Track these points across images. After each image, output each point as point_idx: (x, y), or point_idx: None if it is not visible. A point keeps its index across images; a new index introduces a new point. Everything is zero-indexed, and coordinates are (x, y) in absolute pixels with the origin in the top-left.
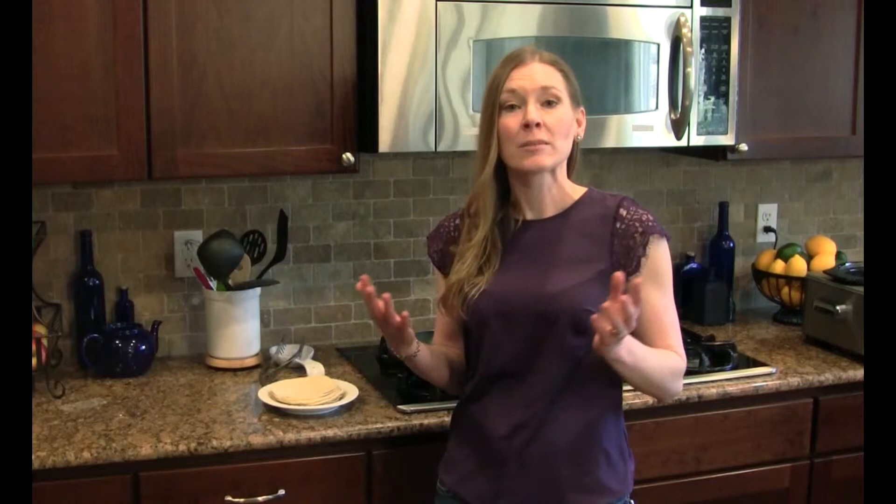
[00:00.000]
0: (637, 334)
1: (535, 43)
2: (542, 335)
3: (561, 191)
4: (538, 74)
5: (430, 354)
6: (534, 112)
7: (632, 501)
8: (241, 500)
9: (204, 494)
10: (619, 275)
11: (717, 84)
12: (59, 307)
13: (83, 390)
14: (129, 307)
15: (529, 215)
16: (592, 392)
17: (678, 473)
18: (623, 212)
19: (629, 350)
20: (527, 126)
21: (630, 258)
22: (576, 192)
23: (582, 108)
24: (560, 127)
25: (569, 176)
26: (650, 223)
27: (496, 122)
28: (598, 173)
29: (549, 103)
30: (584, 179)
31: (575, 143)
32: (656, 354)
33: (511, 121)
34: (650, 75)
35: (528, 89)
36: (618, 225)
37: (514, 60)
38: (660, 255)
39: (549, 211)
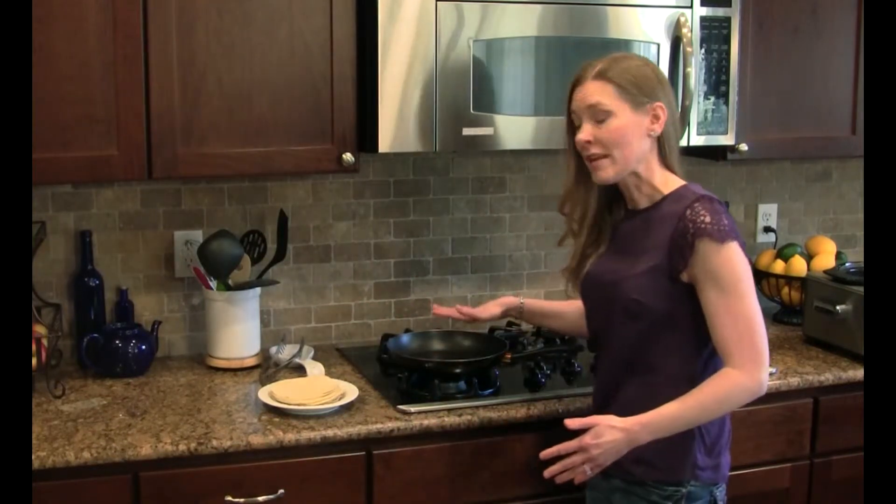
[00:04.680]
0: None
1: (535, 43)
2: (608, 319)
3: (650, 186)
4: (588, 93)
5: (541, 313)
6: (584, 132)
7: (716, 490)
8: (241, 500)
9: (204, 494)
10: (568, 422)
11: (717, 84)
12: (59, 307)
13: (83, 390)
14: (129, 307)
15: (630, 206)
16: (657, 382)
17: None
18: (688, 212)
19: (649, 432)
20: (584, 146)
21: (679, 257)
22: (669, 186)
23: (657, 103)
24: (613, 138)
25: (668, 165)
26: (703, 225)
27: (572, 135)
28: None
29: (599, 119)
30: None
31: (661, 137)
32: (692, 404)
33: (577, 138)
34: None
35: (582, 109)
36: (679, 224)
37: (574, 80)
38: (714, 259)
39: (643, 203)
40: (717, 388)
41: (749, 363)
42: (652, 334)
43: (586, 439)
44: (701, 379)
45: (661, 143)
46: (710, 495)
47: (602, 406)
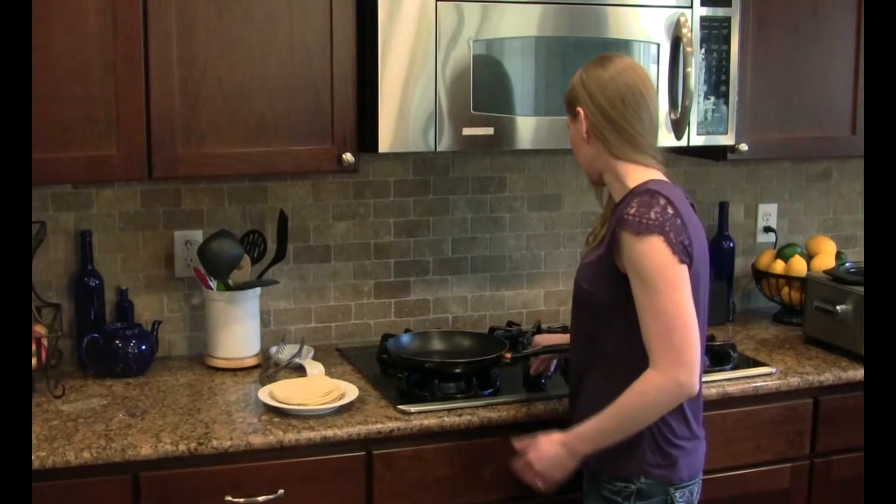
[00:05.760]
0: None
1: (535, 43)
2: (571, 309)
3: (619, 182)
4: None
5: None
6: None
7: (673, 491)
8: (241, 500)
9: (204, 494)
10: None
11: (717, 84)
12: (59, 307)
13: (83, 390)
14: (129, 307)
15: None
16: (614, 372)
17: None
18: (623, 204)
19: (587, 443)
20: None
21: (610, 246)
22: (635, 181)
23: (577, 109)
24: (573, 147)
25: (623, 158)
26: (626, 217)
27: None
28: None
29: None
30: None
31: (595, 136)
32: (614, 410)
33: None
34: (650, 75)
35: None
36: (618, 216)
37: None
38: (633, 251)
39: (618, 198)
40: (632, 392)
41: (665, 362)
42: (600, 323)
43: (529, 455)
44: None
45: (602, 142)
46: (665, 495)
47: (574, 396)
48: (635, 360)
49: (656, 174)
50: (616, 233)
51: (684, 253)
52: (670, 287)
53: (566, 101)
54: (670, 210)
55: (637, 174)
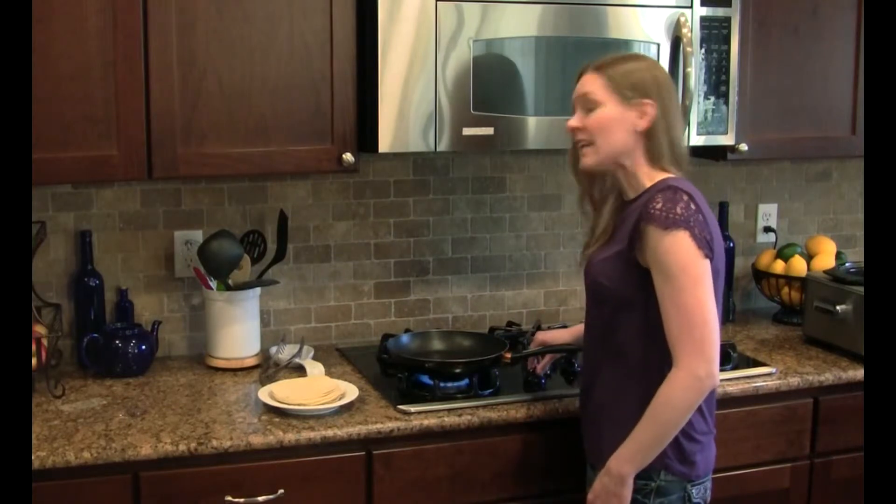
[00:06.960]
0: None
1: (535, 43)
2: (587, 302)
3: (636, 179)
4: (583, 83)
5: None
6: (573, 119)
7: (690, 488)
8: (241, 500)
9: (204, 494)
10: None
11: (717, 84)
12: (59, 307)
13: (83, 390)
14: (128, 307)
15: (625, 198)
16: (628, 367)
17: None
18: (648, 199)
19: (628, 463)
20: (571, 131)
21: (634, 242)
22: (652, 180)
23: (646, 101)
24: (598, 126)
25: (658, 164)
26: (653, 211)
27: None
28: None
29: (589, 109)
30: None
31: (648, 135)
32: (646, 420)
33: (567, 124)
34: None
35: (577, 98)
36: (640, 210)
37: (579, 72)
38: (658, 245)
39: (631, 195)
40: (659, 398)
41: (686, 357)
42: (617, 318)
43: (588, 498)
44: (669, 364)
45: (649, 142)
46: (683, 491)
47: (586, 391)
48: (650, 355)
49: (669, 174)
50: (640, 227)
51: (707, 248)
52: (692, 282)
53: (631, 87)
54: (693, 206)
55: (655, 175)
